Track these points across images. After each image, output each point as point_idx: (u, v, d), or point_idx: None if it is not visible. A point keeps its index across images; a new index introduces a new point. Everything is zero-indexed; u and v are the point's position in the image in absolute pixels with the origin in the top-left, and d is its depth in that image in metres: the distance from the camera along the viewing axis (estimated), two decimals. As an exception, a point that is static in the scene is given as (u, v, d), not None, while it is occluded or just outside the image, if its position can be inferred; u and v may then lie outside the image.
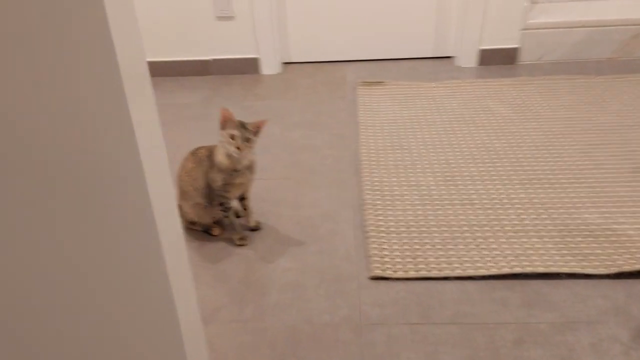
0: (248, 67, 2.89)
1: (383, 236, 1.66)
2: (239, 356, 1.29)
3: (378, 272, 1.52)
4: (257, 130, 1.55)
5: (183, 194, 1.67)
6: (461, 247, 1.60)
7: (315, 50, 2.98)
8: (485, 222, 1.70)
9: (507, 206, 1.77)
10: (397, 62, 2.96)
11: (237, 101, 2.59)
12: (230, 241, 1.67)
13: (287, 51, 2.98)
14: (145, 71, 0.68)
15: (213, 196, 1.62)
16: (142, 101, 0.66)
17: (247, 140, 1.52)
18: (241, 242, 1.66)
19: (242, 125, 1.52)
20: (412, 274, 1.51)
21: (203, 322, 1.38)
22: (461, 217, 1.73)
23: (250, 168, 1.61)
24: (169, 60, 2.88)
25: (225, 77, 2.87)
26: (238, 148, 1.51)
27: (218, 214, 1.66)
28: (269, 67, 2.89)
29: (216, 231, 1.71)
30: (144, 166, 0.67)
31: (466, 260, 1.55)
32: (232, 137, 1.50)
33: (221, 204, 1.62)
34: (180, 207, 1.70)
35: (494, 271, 1.50)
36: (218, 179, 1.58)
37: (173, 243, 0.77)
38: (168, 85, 2.79)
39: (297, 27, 2.91)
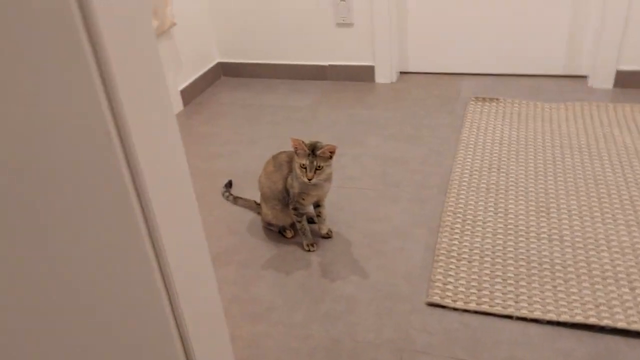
0: (363, 74, 2.92)
1: (452, 262, 1.59)
2: (277, 359, 1.33)
3: (436, 299, 1.46)
4: (329, 155, 1.56)
5: (263, 196, 1.75)
6: (535, 285, 1.48)
7: (434, 61, 2.91)
8: (570, 263, 1.55)
9: (602, 248, 1.59)
10: (520, 79, 2.79)
11: (343, 108, 2.63)
12: (301, 245, 1.72)
13: (404, 60, 2.95)
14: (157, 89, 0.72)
15: (289, 200, 1.68)
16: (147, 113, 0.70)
17: (319, 167, 1.54)
18: (309, 248, 1.70)
19: (313, 152, 1.53)
20: (472, 305, 1.43)
21: (253, 320, 1.44)
22: (544, 253, 1.59)
23: (327, 180, 1.64)
24: (287, 64, 3.01)
25: (339, 84, 2.92)
26: (309, 179, 1.54)
27: (292, 217, 1.71)
28: (384, 75, 2.89)
29: (289, 234, 1.77)
30: (144, 175, 0.70)
31: (536, 301, 1.43)
32: (303, 166, 1.54)
33: (295, 209, 1.67)
34: (261, 208, 1.79)
35: (564, 318, 1.37)
36: (295, 186, 1.63)
37: (183, 257, 0.81)
38: (283, 88, 2.92)
39: (417, 36, 2.87)
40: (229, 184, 2.05)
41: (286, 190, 1.68)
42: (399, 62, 2.95)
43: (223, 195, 2.00)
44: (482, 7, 2.71)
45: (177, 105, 2.75)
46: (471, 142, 2.22)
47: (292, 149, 1.60)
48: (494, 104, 2.53)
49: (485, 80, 2.80)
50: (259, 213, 1.87)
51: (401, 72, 2.99)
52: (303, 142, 1.54)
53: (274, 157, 1.73)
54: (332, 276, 1.58)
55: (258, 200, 1.86)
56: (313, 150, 1.54)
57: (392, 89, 2.82)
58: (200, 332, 0.89)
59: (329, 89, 2.86)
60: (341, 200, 1.92)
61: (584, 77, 2.74)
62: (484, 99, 2.57)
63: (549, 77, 2.79)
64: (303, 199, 1.65)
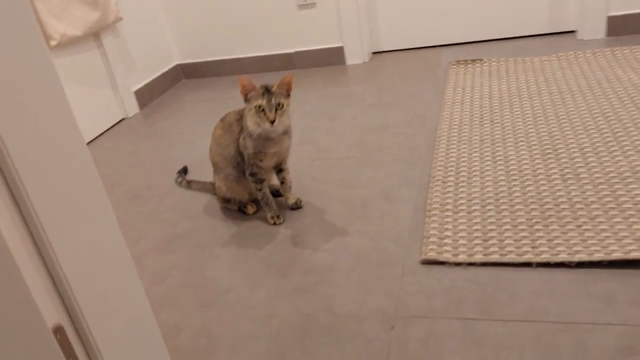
0: (333, 57, 2.67)
1: (448, 215, 1.29)
2: (231, 347, 1.01)
3: (432, 255, 1.16)
4: (286, 89, 1.28)
5: (214, 167, 1.47)
6: (554, 227, 1.18)
7: (408, 36, 2.67)
8: (594, 200, 1.25)
9: (629, 180, 1.30)
10: (504, 42, 2.54)
11: (314, 88, 2.37)
12: (265, 220, 1.42)
13: (376, 40, 2.71)
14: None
15: (244, 166, 1.39)
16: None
17: (279, 105, 1.27)
18: (275, 221, 1.40)
19: (268, 90, 1.26)
20: (478, 257, 1.13)
21: (205, 306, 1.13)
22: (560, 193, 1.30)
23: (286, 133, 1.35)
24: (252, 57, 2.76)
25: (308, 70, 2.67)
26: (271, 122, 1.26)
27: (251, 185, 1.42)
28: (355, 56, 2.64)
29: (251, 209, 1.47)
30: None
31: (559, 244, 1.12)
32: (260, 108, 1.26)
33: (252, 174, 1.38)
34: (214, 183, 1.50)
35: (598, 257, 1.06)
36: (249, 146, 1.34)
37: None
38: (249, 80, 2.66)
39: (388, 12, 2.63)
40: (184, 170, 1.75)
41: (240, 155, 1.39)
42: (370, 42, 2.70)
43: (176, 181, 1.71)
44: (453, -33, 2.49)
45: (132, 107, 2.48)
46: (457, 100, 1.95)
47: (235, 109, 1.32)
48: (478, 64, 2.27)
49: (467, 48, 2.55)
50: (215, 194, 1.57)
51: (374, 53, 2.74)
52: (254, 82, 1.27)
53: (222, 119, 1.45)
54: (301, 247, 1.28)
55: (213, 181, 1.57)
56: (267, 88, 1.26)
57: (365, 67, 2.57)
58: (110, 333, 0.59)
59: (299, 76, 2.61)
60: (314, 171, 1.63)
61: (572, 32, 2.50)
62: (466, 61, 2.32)
63: (535, 36, 2.55)
64: (261, 160, 1.36)
